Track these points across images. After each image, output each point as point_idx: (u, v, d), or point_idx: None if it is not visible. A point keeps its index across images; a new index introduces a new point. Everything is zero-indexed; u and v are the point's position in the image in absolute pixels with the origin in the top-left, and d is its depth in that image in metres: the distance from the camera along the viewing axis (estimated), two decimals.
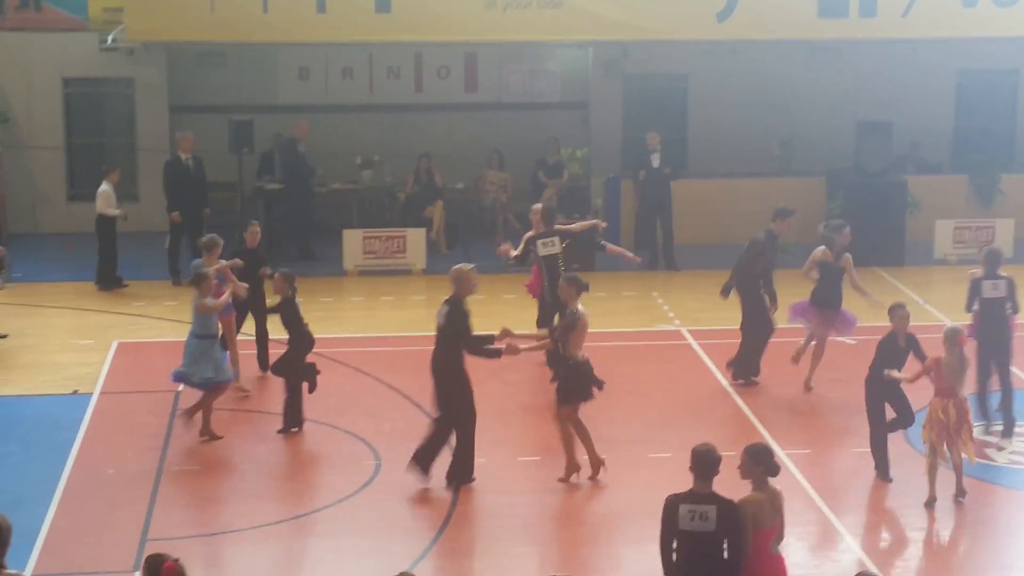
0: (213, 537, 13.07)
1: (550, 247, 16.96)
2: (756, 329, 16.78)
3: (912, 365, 13.97)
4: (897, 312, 14.03)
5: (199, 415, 15.21)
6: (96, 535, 12.99)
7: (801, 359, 16.73)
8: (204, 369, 15.04)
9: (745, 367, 16.90)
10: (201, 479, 14.31)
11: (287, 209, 23.57)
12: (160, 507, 13.55)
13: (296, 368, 15.36)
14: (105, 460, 14.69)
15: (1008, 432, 15.39)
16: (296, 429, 15.43)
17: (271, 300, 15.78)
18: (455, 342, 13.83)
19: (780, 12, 22.92)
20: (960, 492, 13.63)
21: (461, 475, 14.03)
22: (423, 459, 13.97)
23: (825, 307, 16.54)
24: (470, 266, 14.12)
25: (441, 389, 13.95)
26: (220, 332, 15.65)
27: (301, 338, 15.46)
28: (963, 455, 13.55)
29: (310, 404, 15.66)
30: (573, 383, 13.98)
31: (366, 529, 13.22)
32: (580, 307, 13.97)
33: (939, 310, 20.01)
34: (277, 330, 16.13)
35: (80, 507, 13.56)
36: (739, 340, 17.00)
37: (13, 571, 8.78)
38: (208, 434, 15.19)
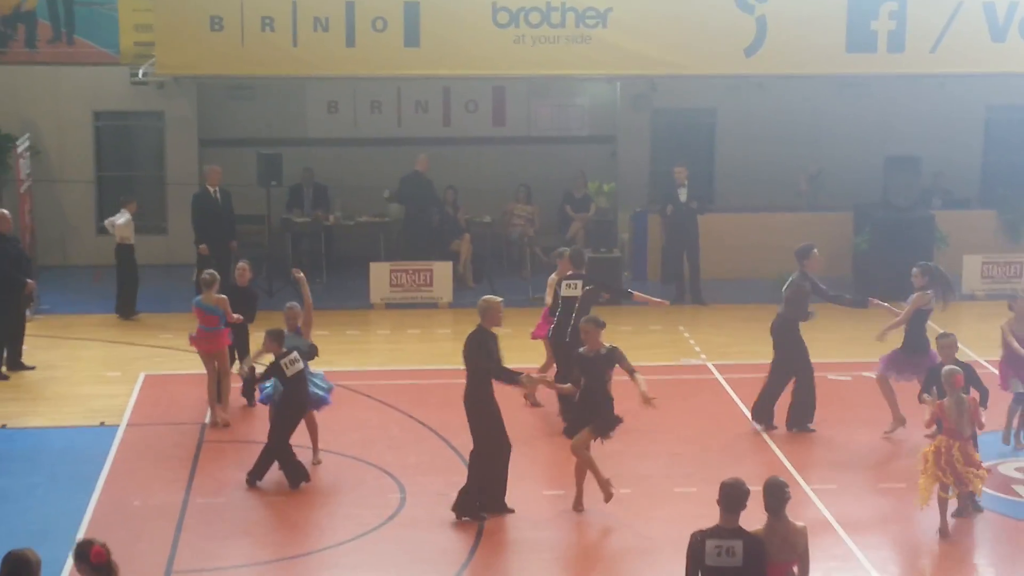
0: (238, 569, 13.06)
1: (572, 289, 16.83)
2: (796, 372, 16.57)
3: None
4: (942, 341, 14.31)
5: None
6: (122, 568, 12.86)
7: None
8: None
9: (800, 413, 16.61)
10: (226, 512, 14.32)
11: (409, 238, 23.76)
12: (185, 540, 13.56)
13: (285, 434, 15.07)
14: (131, 492, 14.72)
15: None
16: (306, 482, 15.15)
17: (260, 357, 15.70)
18: (482, 373, 13.85)
19: (808, 47, 22.91)
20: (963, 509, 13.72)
21: (468, 509, 14.04)
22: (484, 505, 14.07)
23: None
24: (497, 298, 14.14)
25: (471, 421, 13.98)
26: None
27: (289, 399, 15.01)
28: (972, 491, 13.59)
29: (336, 437, 15.69)
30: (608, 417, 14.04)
31: (390, 562, 13.20)
32: (606, 344, 13.99)
33: (967, 346, 19.91)
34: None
35: (106, 539, 13.39)
36: (777, 385, 16.73)
37: None
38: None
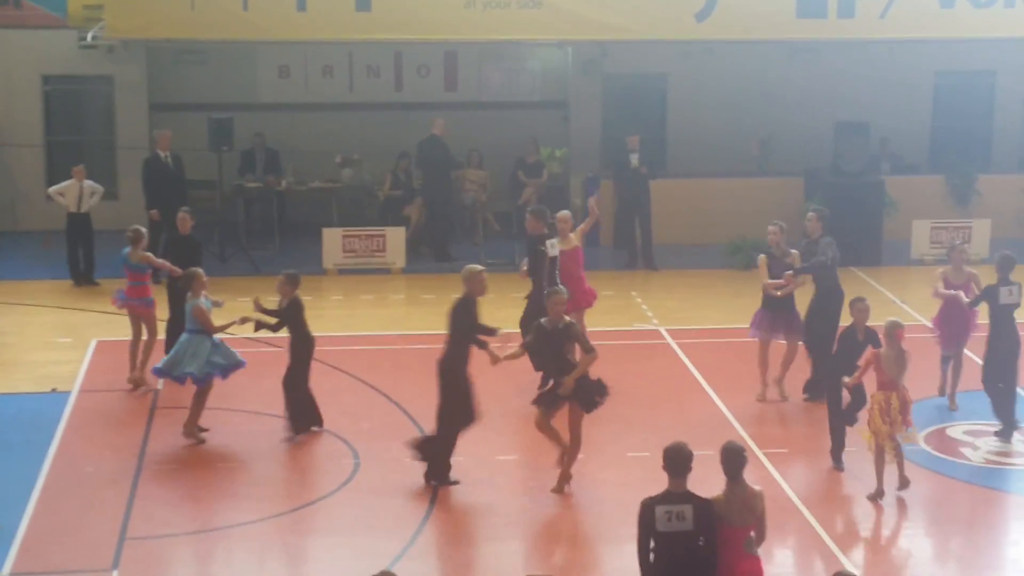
0: (192, 536, 13.08)
1: (553, 249, 16.87)
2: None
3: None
4: (856, 305, 14.20)
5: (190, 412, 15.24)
6: (75, 534, 13.00)
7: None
8: (187, 364, 15.05)
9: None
10: (180, 477, 14.32)
11: (429, 202, 23.78)
12: (139, 506, 13.56)
13: (303, 376, 15.34)
14: (84, 459, 14.69)
15: (1007, 435, 15.43)
16: (317, 428, 15.48)
17: (268, 302, 15.69)
18: (462, 341, 13.86)
19: (759, 12, 22.98)
20: (903, 483, 13.80)
21: (440, 476, 14.09)
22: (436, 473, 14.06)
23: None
24: (480, 267, 14.13)
25: (443, 387, 13.99)
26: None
27: (304, 340, 15.38)
28: (906, 442, 13.76)
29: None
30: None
31: (346, 527, 13.25)
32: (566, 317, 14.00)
33: (915, 310, 20.12)
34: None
35: (58, 506, 13.56)
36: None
37: None
38: (192, 435, 15.21)
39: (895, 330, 13.67)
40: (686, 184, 24.64)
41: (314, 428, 15.48)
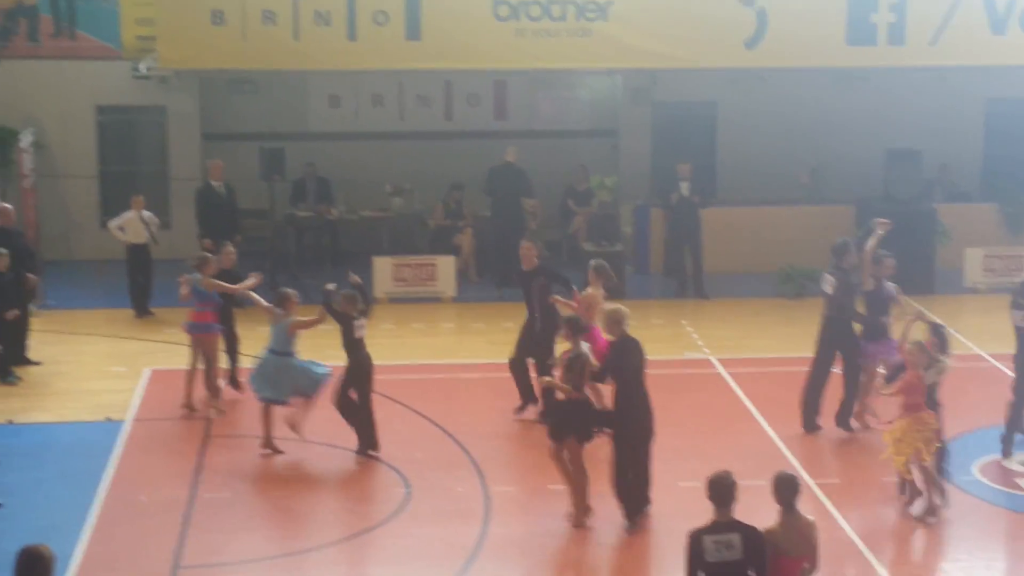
0: (245, 564, 13.12)
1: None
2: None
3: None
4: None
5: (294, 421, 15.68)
6: (129, 563, 13.07)
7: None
8: (263, 387, 15.55)
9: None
10: (233, 507, 14.38)
11: (497, 230, 23.78)
12: (192, 535, 13.63)
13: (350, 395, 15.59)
14: (138, 487, 14.79)
15: None
16: (373, 452, 15.66)
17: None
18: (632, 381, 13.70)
19: (808, 40, 22.96)
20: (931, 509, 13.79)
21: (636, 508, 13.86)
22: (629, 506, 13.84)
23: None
24: (621, 307, 13.99)
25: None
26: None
27: (359, 362, 15.58)
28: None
29: (340, 431, 15.75)
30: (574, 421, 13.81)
31: (396, 558, 13.27)
32: (583, 347, 13.94)
33: (969, 339, 19.99)
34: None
35: (113, 535, 13.66)
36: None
37: None
38: (270, 447, 15.63)
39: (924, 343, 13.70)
40: (736, 212, 24.59)
41: (370, 452, 15.58)
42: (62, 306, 21.97)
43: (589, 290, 16.03)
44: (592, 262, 16.53)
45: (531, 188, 24.03)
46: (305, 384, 15.66)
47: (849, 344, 16.25)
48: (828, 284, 16.28)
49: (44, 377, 18.60)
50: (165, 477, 15.07)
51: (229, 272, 17.63)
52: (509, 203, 23.72)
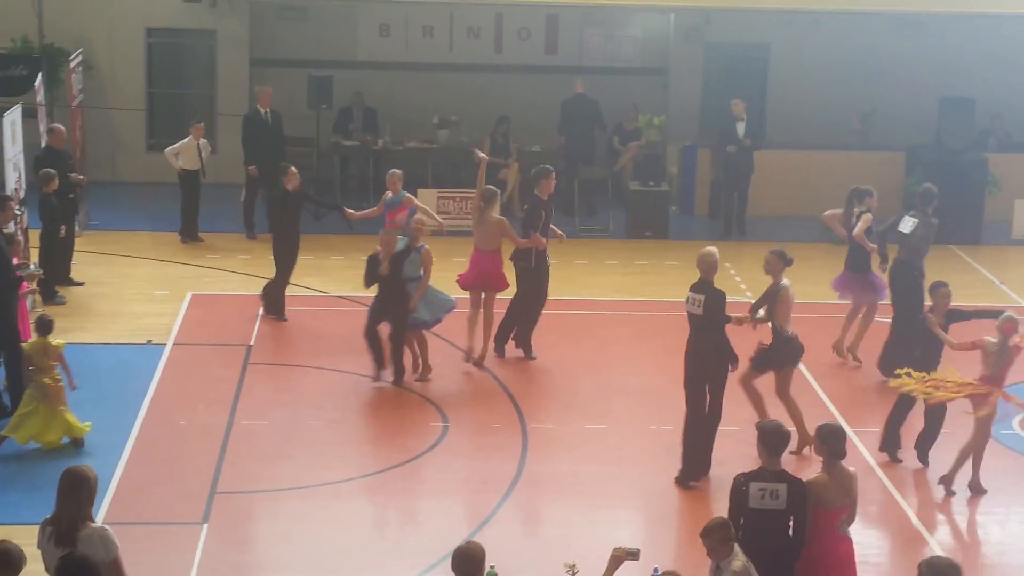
0: (281, 492, 13.20)
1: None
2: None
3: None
4: (940, 290, 13.87)
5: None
6: (167, 486, 13.17)
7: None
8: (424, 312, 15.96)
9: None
10: (270, 434, 14.44)
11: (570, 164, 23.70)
12: (229, 460, 13.71)
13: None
14: (177, 411, 14.87)
15: None
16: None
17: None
18: (715, 329, 13.71)
19: None
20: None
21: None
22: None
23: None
24: (714, 250, 13.89)
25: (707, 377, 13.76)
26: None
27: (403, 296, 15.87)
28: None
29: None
30: (783, 354, 14.12)
31: (431, 489, 13.33)
32: (785, 280, 13.93)
33: (1015, 291, 19.79)
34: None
35: (152, 457, 13.75)
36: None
37: (98, 524, 8.87)
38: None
39: (1005, 324, 13.30)
40: (785, 156, 24.30)
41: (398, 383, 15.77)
42: (107, 227, 22.02)
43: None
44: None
45: (603, 119, 23.90)
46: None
47: (912, 291, 16.11)
48: (908, 225, 16.23)
49: (86, 298, 18.67)
50: (204, 402, 15.15)
51: (295, 194, 17.59)
52: (583, 134, 23.55)
